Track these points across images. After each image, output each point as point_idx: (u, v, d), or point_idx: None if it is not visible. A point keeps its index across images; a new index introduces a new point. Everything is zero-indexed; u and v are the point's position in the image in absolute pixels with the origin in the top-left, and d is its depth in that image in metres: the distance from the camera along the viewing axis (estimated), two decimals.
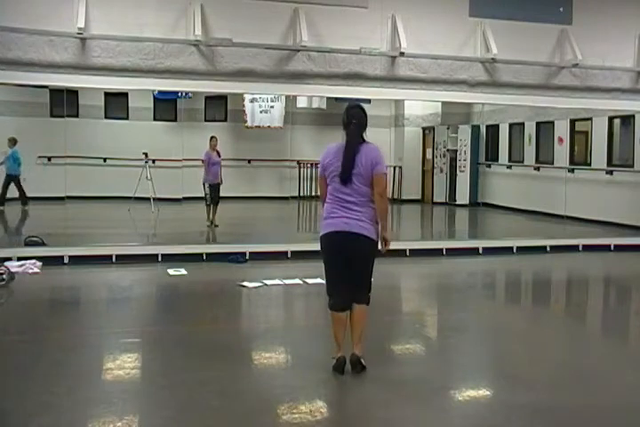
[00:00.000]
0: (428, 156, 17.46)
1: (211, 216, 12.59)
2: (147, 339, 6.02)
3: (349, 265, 4.94)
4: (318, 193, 5.18)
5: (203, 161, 12.83)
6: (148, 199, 13.58)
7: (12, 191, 13.80)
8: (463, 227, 15.25)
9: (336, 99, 14.09)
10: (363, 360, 4.92)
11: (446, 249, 10.64)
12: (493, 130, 16.27)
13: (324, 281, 8.20)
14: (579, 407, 4.49)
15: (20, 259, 8.92)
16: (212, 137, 12.87)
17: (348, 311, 4.98)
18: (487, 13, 10.53)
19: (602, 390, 4.82)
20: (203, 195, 12.73)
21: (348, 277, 4.96)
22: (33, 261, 8.87)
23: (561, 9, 10.90)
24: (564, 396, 4.67)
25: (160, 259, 9.52)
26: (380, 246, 4.99)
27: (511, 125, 15.76)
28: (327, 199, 4.97)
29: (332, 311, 5.02)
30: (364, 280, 5.01)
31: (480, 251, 10.79)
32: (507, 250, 10.89)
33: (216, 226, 12.51)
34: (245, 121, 16.01)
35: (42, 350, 5.56)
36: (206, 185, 12.63)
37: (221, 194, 12.77)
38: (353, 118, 4.93)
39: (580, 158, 14.02)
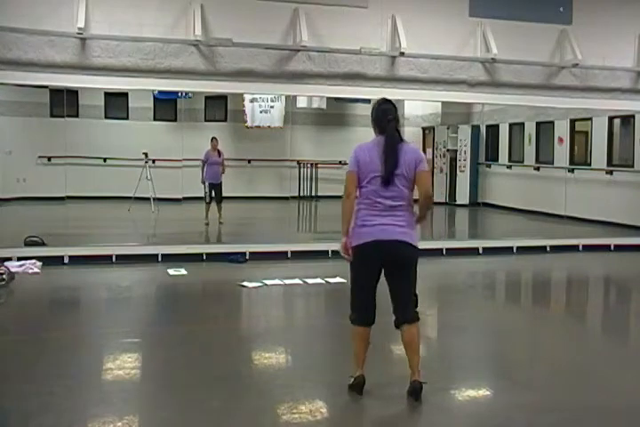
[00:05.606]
0: (428, 156, 17.45)
1: (209, 215, 12.71)
2: (147, 339, 6.02)
3: (390, 279, 4.48)
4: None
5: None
6: (148, 199, 13.58)
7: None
8: (463, 227, 15.24)
9: (336, 99, 14.18)
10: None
11: (446, 249, 10.65)
12: (493, 130, 16.26)
13: (322, 281, 8.33)
14: (579, 407, 4.49)
15: (20, 259, 8.92)
16: (212, 138, 13.11)
17: (371, 326, 4.50)
18: (487, 13, 10.54)
19: (602, 390, 4.81)
20: (203, 195, 12.95)
21: (376, 290, 4.49)
22: (33, 261, 8.87)
23: (561, 9, 10.90)
24: (564, 396, 4.67)
25: (160, 259, 9.53)
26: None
27: (511, 125, 15.76)
28: (361, 204, 4.45)
29: (356, 326, 4.51)
30: (410, 294, 4.48)
31: (480, 251, 10.80)
32: (507, 250, 10.90)
33: (221, 223, 12.70)
34: (245, 121, 16.02)
35: (42, 350, 5.55)
36: (206, 184, 12.85)
37: (222, 194, 12.89)
38: (389, 114, 4.47)
39: (580, 158, 14.02)
